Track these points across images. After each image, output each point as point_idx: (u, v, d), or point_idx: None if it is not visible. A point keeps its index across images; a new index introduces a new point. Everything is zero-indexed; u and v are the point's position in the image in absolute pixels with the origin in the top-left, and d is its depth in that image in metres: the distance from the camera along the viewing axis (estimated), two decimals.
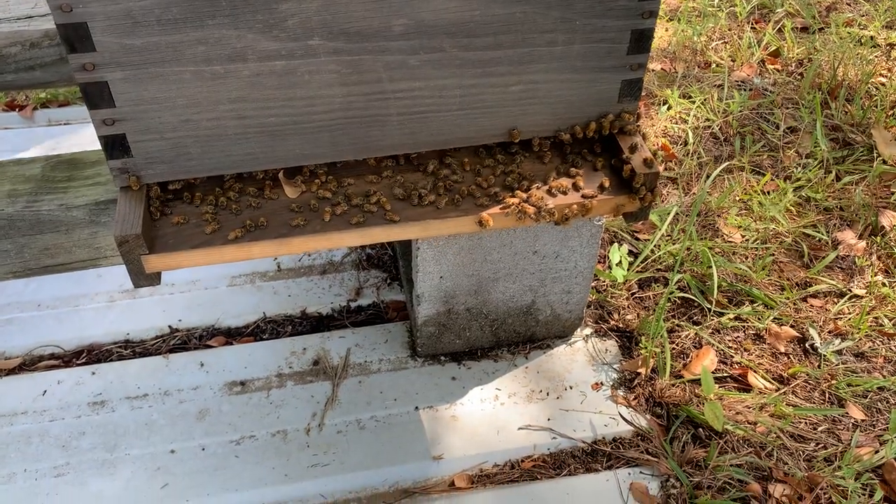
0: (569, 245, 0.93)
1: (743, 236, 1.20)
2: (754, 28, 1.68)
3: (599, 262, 1.15)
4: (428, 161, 0.76)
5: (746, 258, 1.16)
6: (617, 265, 1.10)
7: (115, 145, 0.67)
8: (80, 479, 0.91)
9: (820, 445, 0.95)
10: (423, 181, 0.75)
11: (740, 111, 1.42)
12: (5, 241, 0.78)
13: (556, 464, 0.94)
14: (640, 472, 0.92)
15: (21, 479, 0.91)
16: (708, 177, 1.29)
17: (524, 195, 0.73)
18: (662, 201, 1.26)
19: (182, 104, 0.66)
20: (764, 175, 1.29)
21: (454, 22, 0.66)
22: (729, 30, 1.69)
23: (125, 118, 0.65)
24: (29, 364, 1.04)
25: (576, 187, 0.75)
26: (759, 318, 1.08)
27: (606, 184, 0.75)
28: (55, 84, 1.09)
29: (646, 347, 1.02)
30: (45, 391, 0.99)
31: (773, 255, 1.16)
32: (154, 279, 0.69)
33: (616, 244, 1.14)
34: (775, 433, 0.95)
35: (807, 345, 1.06)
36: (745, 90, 1.49)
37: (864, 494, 0.89)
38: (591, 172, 0.77)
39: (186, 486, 0.90)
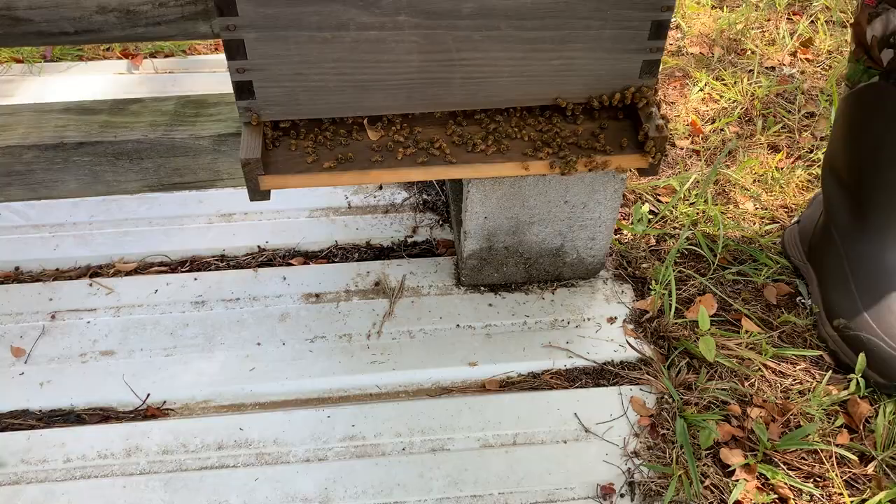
0: (595, 197, 1.11)
1: (754, 206, 1.36)
2: (790, 19, 1.81)
3: (625, 218, 1.33)
4: (483, 116, 0.95)
5: (755, 224, 1.33)
6: (639, 221, 1.28)
7: (243, 89, 0.87)
8: (184, 359, 1.13)
9: (797, 381, 1.12)
10: (477, 132, 0.94)
11: (766, 95, 1.57)
12: (147, 161, 0.99)
13: (571, 377, 1.13)
14: (640, 389, 1.11)
15: (139, 355, 1.14)
16: (729, 152, 1.45)
17: (557, 148, 0.92)
18: (686, 170, 1.42)
19: (297, 60, 0.85)
20: (779, 153, 1.44)
21: (510, 7, 0.84)
22: (767, 20, 1.82)
23: (253, 68, 0.85)
24: (142, 269, 1.26)
25: (600, 144, 0.93)
26: (758, 274, 1.24)
27: (624, 143, 0.93)
28: (174, 38, 1.29)
29: (655, 290, 1.20)
30: (157, 290, 1.22)
31: (779, 223, 1.32)
32: (266, 195, 0.90)
33: (640, 203, 1.31)
34: (758, 367, 1.12)
35: (797, 300, 1.22)
36: (773, 76, 1.63)
37: (827, 421, 1.06)
38: (613, 133, 0.95)
39: (270, 371, 1.12)
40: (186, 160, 0.99)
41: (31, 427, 1.05)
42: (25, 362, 1.12)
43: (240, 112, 0.89)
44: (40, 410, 1.07)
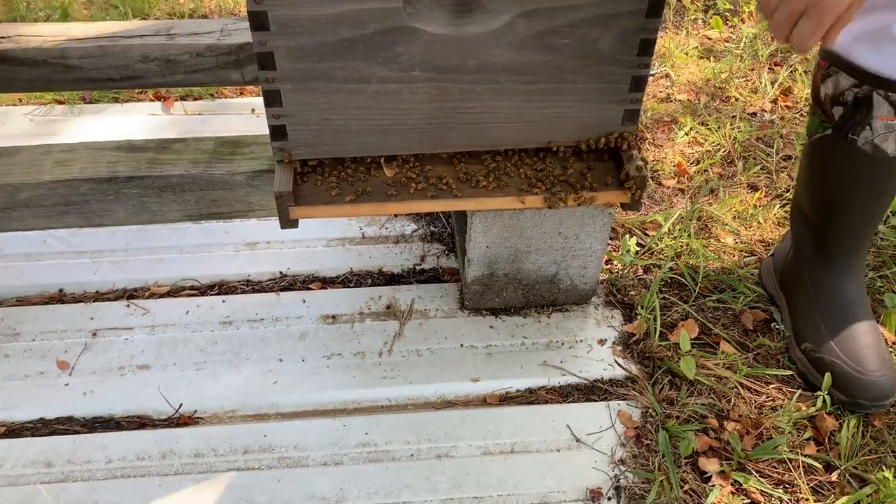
0: (585, 230, 1.24)
1: (734, 240, 1.49)
2: (772, 69, 1.96)
3: (615, 250, 1.46)
4: (485, 156, 1.08)
5: (734, 256, 1.45)
6: (627, 252, 1.40)
7: (278, 132, 1.00)
8: (213, 373, 1.25)
9: (769, 398, 1.23)
10: (480, 170, 1.07)
11: (746, 139, 1.70)
12: (189, 194, 1.12)
13: (564, 393, 1.24)
14: (627, 404, 1.22)
15: (172, 369, 1.25)
16: (712, 190, 1.58)
17: (550, 185, 1.05)
18: (672, 207, 1.55)
19: (325, 108, 0.99)
20: (758, 192, 1.57)
21: (509, 64, 0.98)
22: (751, 69, 1.97)
23: (287, 114, 0.99)
24: (175, 292, 1.39)
25: (588, 182, 1.06)
26: (736, 302, 1.36)
27: (609, 181, 1.05)
28: (209, 84, 1.44)
29: (641, 315, 1.32)
30: (188, 311, 1.34)
31: (757, 255, 1.45)
32: (295, 224, 1.03)
33: (628, 236, 1.43)
34: (735, 385, 1.23)
35: (772, 325, 1.34)
36: (755, 122, 1.77)
37: (796, 434, 1.17)
38: (599, 173, 1.08)
39: (291, 384, 1.23)
40: (224, 193, 1.12)
41: (76, 432, 1.17)
42: (70, 374, 1.24)
43: (274, 151, 1.02)
44: (84, 417, 1.19)
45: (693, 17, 2.17)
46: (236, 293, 1.38)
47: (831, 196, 1.17)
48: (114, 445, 1.14)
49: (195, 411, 1.20)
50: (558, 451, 1.16)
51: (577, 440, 1.17)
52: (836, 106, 1.08)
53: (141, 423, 1.19)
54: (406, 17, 0.91)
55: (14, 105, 1.80)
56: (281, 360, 1.27)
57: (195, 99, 1.82)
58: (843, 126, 1.08)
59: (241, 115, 1.77)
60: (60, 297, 1.37)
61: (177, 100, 1.80)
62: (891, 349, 1.28)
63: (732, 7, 2.19)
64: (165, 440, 1.15)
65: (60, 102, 1.79)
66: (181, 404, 1.20)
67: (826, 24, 0.81)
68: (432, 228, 1.50)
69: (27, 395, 1.21)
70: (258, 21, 0.89)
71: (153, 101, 1.81)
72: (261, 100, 1.80)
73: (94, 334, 1.30)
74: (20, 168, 1.13)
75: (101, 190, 1.11)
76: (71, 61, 1.34)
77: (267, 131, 1.13)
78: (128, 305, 1.34)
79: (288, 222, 1.02)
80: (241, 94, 1.85)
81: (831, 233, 1.20)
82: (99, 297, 1.37)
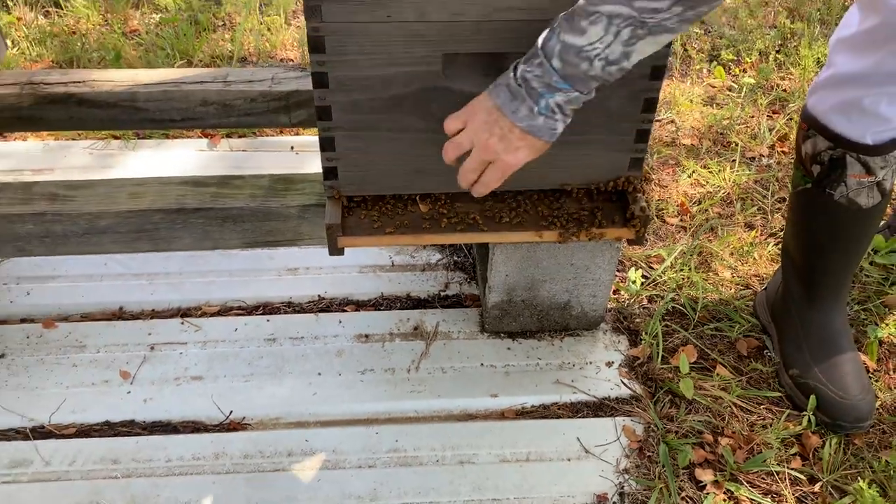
0: (595, 262, 1.38)
1: (731, 274, 1.63)
2: (770, 117, 2.11)
3: (622, 282, 1.60)
4: (508, 196, 1.23)
5: (731, 289, 1.59)
6: (633, 283, 1.55)
7: (330, 172, 1.16)
8: (259, 384, 1.39)
9: (760, 417, 1.36)
10: (503, 207, 1.23)
11: (745, 182, 1.85)
12: (247, 224, 1.27)
13: (574, 409, 1.38)
14: (631, 420, 1.35)
15: (222, 380, 1.40)
16: (712, 228, 1.72)
17: (565, 221, 1.20)
18: (675, 243, 1.69)
19: (371, 152, 1.14)
20: (754, 230, 1.71)
21: None
22: (751, 117, 2.12)
23: (339, 158, 1.14)
24: (224, 311, 1.54)
25: (597, 219, 1.21)
26: (732, 330, 1.50)
27: (616, 219, 1.20)
28: (259, 126, 1.61)
29: (645, 341, 1.46)
30: (236, 329, 1.49)
31: (752, 289, 1.58)
32: (341, 252, 1.18)
33: (635, 269, 1.58)
34: (728, 405, 1.37)
35: (764, 352, 1.47)
36: (753, 166, 1.92)
37: (784, 450, 1.30)
38: (608, 212, 1.23)
39: (329, 396, 1.37)
40: (277, 224, 1.28)
41: (138, 434, 1.31)
42: (131, 383, 1.39)
43: (325, 189, 1.18)
44: (144, 421, 1.33)
45: (698, 67, 2.33)
46: (279, 313, 1.53)
47: (813, 242, 1.31)
48: (172, 446, 1.29)
49: (244, 418, 1.34)
50: (569, 460, 1.29)
51: (586, 451, 1.30)
52: (815, 164, 1.23)
53: (195, 427, 1.33)
54: (444, 79, 1.07)
55: (74, 139, 1.97)
56: (320, 374, 1.41)
57: (239, 136, 1.99)
58: (821, 182, 1.23)
59: (282, 153, 1.93)
60: (121, 315, 1.52)
61: (222, 137, 1.97)
62: (871, 376, 1.41)
63: (735, 58, 2.36)
64: (218, 443, 1.29)
65: (116, 137, 1.96)
66: (231, 411, 1.35)
67: (505, 177, 1.00)
68: (455, 258, 1.65)
69: (94, 401, 1.35)
70: (319, 79, 1.05)
71: (200, 137, 1.97)
72: (298, 138, 1.97)
73: (152, 348, 1.45)
74: (98, 199, 1.29)
75: (170, 219, 1.27)
76: (138, 104, 1.51)
77: (312, 169, 1.29)
78: (182, 323, 1.49)
79: (336, 250, 1.17)
80: (281, 132, 2.01)
81: (815, 274, 1.34)
82: (155, 314, 1.52)
